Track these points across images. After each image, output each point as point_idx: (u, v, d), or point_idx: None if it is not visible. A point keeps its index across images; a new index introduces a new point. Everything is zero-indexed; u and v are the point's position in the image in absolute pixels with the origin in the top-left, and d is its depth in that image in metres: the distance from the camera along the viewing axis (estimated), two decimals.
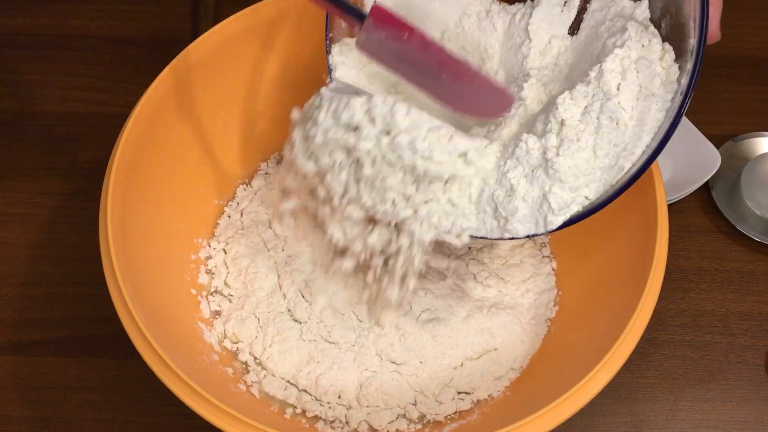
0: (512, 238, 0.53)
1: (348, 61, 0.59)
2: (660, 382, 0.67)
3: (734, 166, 0.75)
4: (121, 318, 0.53)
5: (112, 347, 0.68)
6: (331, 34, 0.59)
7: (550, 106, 0.53)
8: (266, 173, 0.73)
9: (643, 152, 0.51)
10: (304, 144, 0.53)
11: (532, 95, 0.57)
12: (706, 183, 0.73)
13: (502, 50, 0.61)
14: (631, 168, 0.52)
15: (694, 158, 0.74)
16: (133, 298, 0.54)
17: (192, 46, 0.63)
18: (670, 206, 0.69)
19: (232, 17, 0.65)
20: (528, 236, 0.53)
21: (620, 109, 0.51)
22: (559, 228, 0.52)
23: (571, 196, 0.52)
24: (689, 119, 0.75)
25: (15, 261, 0.72)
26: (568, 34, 0.59)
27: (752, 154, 0.76)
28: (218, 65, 0.66)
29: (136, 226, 0.60)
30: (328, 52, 0.58)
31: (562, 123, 0.52)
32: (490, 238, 0.54)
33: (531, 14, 0.59)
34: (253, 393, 0.62)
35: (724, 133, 0.77)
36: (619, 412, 0.65)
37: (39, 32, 0.85)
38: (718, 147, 0.74)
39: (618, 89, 0.51)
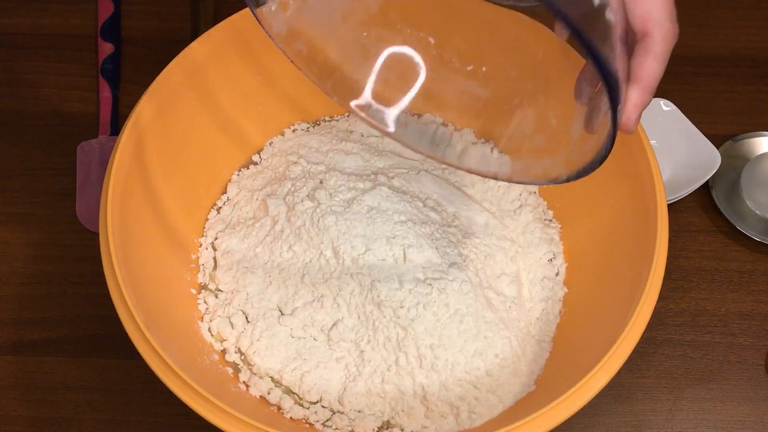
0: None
1: None
2: (660, 382, 0.67)
3: (734, 166, 0.75)
4: (121, 318, 0.53)
5: (112, 347, 0.68)
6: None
7: None
8: None
9: None
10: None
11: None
12: (706, 183, 0.73)
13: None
14: None
15: (694, 158, 0.74)
16: (133, 298, 0.54)
17: (192, 46, 0.63)
18: (670, 206, 0.69)
19: (232, 17, 0.65)
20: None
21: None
22: None
23: None
24: (689, 119, 0.75)
25: (15, 261, 0.72)
26: None
27: (752, 154, 0.76)
28: (218, 65, 0.66)
29: (136, 226, 0.59)
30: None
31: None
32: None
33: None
34: (252, 393, 0.62)
35: (724, 133, 0.77)
36: (619, 412, 0.65)
37: (39, 32, 0.85)
38: (718, 147, 0.74)
39: None
